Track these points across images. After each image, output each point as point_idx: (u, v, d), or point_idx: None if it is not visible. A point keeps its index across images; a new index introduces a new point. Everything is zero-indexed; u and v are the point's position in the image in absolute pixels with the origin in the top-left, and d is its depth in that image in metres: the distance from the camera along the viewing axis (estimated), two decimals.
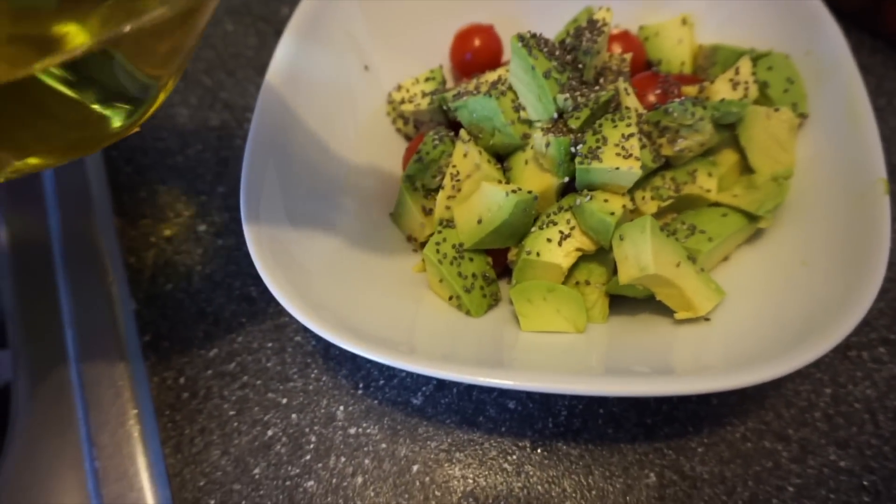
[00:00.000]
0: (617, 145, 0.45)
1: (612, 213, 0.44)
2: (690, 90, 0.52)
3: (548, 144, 0.46)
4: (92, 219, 0.61)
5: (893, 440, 0.48)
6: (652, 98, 0.50)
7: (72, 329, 0.55)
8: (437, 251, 0.47)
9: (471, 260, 0.48)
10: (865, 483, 0.46)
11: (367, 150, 0.58)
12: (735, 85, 0.50)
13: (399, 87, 0.58)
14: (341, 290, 0.47)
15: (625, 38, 0.58)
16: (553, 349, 0.45)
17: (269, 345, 0.55)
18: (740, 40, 0.56)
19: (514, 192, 0.45)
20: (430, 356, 0.41)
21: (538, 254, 0.46)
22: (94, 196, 0.63)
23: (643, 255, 0.42)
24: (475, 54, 0.59)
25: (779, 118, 0.49)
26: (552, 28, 0.58)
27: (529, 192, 0.46)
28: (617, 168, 0.44)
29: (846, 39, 0.69)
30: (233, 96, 0.70)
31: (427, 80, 0.58)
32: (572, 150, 0.46)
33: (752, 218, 0.47)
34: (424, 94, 0.57)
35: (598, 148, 0.45)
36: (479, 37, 0.59)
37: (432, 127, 0.55)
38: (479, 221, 0.47)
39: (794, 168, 0.49)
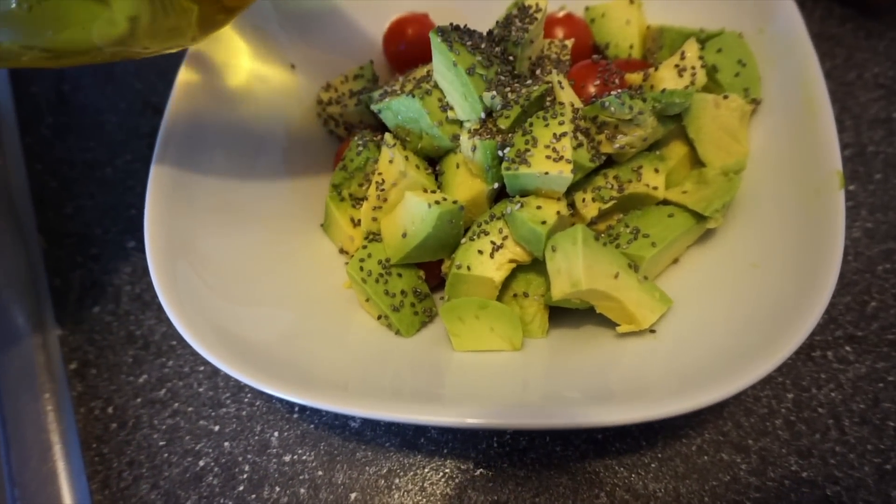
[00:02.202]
0: (548, 146, 0.41)
1: (544, 223, 0.40)
2: (635, 78, 0.48)
3: (474, 148, 0.43)
4: (14, 238, 0.58)
5: (859, 447, 0.45)
6: (591, 89, 0.46)
7: None
8: (362, 269, 0.44)
9: (399, 276, 0.45)
10: (829, 494, 0.44)
11: (299, 155, 0.54)
12: (681, 71, 0.46)
13: (328, 87, 0.55)
14: (264, 318, 0.44)
15: (569, 21, 0.54)
16: (488, 372, 0.41)
17: (201, 368, 0.52)
18: (692, 18, 0.51)
19: (437, 202, 0.41)
20: (355, 393, 0.39)
21: (469, 267, 0.42)
22: (16, 214, 0.59)
23: (574, 269, 0.38)
24: (409, 46, 0.55)
25: (728, 106, 0.45)
26: (494, 13, 0.54)
27: (455, 201, 0.42)
28: (546, 172, 0.40)
29: (815, 7, 0.65)
30: (164, 100, 0.65)
31: (356, 77, 0.54)
32: (500, 153, 0.42)
33: (700, 218, 0.43)
34: (352, 94, 0.53)
35: (527, 150, 0.41)
36: (412, 27, 0.55)
37: (362, 130, 0.51)
38: (405, 235, 0.43)
39: (747, 160, 0.45)
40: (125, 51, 0.36)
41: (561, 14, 0.54)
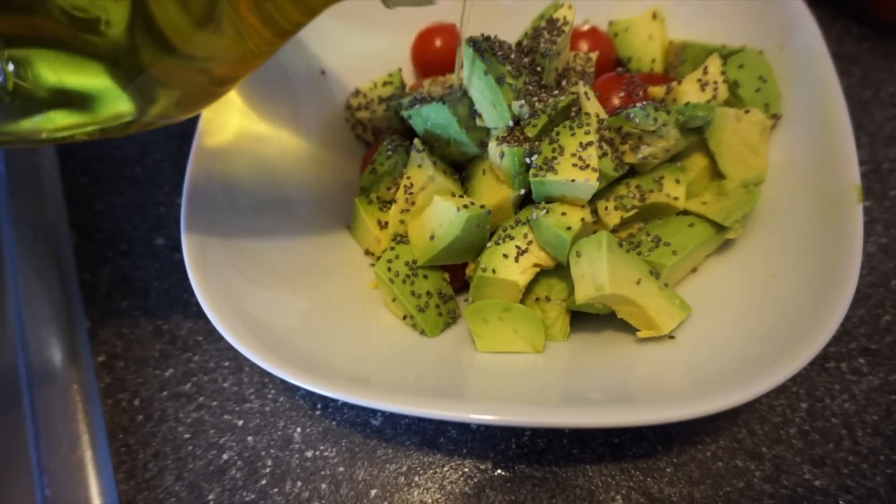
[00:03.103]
0: (574, 155, 0.42)
1: (569, 228, 0.41)
2: (657, 91, 0.49)
3: (502, 155, 0.44)
4: (46, 233, 0.59)
5: (872, 457, 0.46)
6: (616, 101, 0.48)
7: (23, 350, 0.53)
8: (389, 269, 0.45)
9: (425, 277, 0.46)
10: (842, 502, 0.44)
11: (327, 159, 0.55)
12: (703, 85, 0.48)
13: (357, 92, 0.56)
14: (291, 313, 0.45)
15: (593, 34, 0.55)
16: (510, 372, 0.42)
17: (226, 364, 0.53)
18: (713, 34, 0.53)
19: (465, 206, 0.43)
20: (379, 387, 0.40)
21: (494, 270, 0.43)
22: (48, 209, 0.61)
23: (599, 273, 0.39)
24: (437, 55, 0.57)
25: (749, 120, 0.46)
26: (521, 24, 0.56)
27: (482, 206, 0.43)
28: (573, 180, 0.41)
29: (832, 27, 0.66)
30: None
31: (385, 84, 0.55)
32: (527, 160, 0.43)
33: (720, 228, 0.45)
34: (381, 100, 0.54)
35: (554, 158, 0.42)
36: (440, 37, 0.57)
37: (390, 135, 0.52)
38: (432, 237, 0.44)
39: (766, 173, 0.47)
40: (114, 132, 0.37)
41: (585, 28, 0.56)
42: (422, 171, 0.46)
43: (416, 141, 0.47)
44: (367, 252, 0.51)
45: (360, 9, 0.58)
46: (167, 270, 0.58)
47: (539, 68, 0.46)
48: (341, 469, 0.48)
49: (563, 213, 0.43)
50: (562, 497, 0.45)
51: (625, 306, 0.42)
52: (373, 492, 0.47)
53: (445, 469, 0.47)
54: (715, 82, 0.48)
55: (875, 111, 0.61)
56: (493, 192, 0.46)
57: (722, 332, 0.42)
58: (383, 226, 0.49)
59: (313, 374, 0.39)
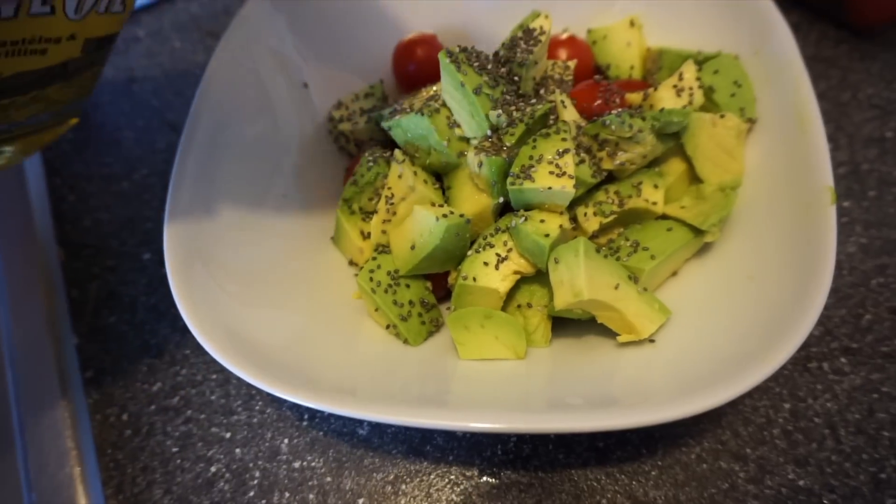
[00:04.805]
0: (551, 163, 0.43)
1: (547, 235, 0.42)
2: (635, 98, 0.50)
3: (480, 164, 0.44)
4: (34, 250, 0.60)
5: (855, 456, 0.46)
6: (593, 108, 0.48)
7: (11, 368, 0.54)
8: (371, 279, 0.46)
9: (407, 286, 0.46)
10: (825, 502, 0.44)
11: (310, 170, 0.56)
12: (679, 91, 0.48)
13: (339, 104, 0.57)
14: (275, 325, 0.45)
15: (571, 43, 0.56)
16: (492, 379, 0.43)
17: (214, 377, 0.53)
18: (690, 40, 0.53)
19: (444, 216, 0.43)
20: (364, 397, 0.40)
21: (475, 278, 0.44)
22: (36, 226, 0.61)
23: (577, 279, 0.40)
24: (418, 66, 0.57)
25: (725, 125, 0.47)
26: (499, 35, 0.56)
27: (461, 215, 0.44)
28: (549, 188, 0.42)
29: (810, 30, 0.67)
30: (180, 117, 0.68)
31: (367, 95, 0.56)
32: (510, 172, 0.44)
33: (698, 232, 0.45)
34: (363, 112, 0.55)
35: (532, 166, 0.43)
36: (421, 48, 0.57)
37: (372, 146, 0.53)
38: (413, 247, 0.45)
39: (743, 177, 0.47)
40: None
41: (564, 36, 0.56)
42: (402, 182, 0.47)
43: (396, 152, 0.48)
44: (351, 262, 0.52)
45: (341, 21, 0.59)
46: (155, 285, 0.58)
47: (516, 77, 0.47)
48: (329, 479, 0.48)
49: (542, 221, 0.43)
50: (548, 502, 0.46)
51: (604, 311, 0.42)
52: (360, 501, 0.47)
53: (432, 477, 0.47)
54: (690, 88, 0.48)
55: (854, 113, 0.62)
56: (473, 200, 0.46)
57: (702, 335, 0.42)
58: (366, 236, 0.50)
59: (298, 386, 0.39)
